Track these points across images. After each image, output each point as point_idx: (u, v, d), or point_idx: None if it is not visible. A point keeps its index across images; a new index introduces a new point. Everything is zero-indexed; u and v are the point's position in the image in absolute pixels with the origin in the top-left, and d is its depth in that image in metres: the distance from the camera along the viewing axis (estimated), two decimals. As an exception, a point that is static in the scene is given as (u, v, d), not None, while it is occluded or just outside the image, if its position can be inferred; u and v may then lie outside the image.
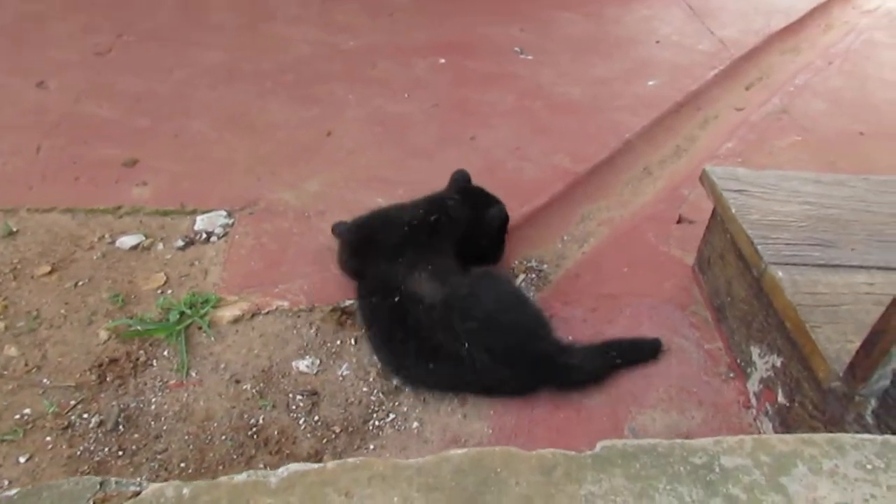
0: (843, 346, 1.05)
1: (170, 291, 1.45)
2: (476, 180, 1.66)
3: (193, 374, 1.27)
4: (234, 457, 1.14)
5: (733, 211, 1.35)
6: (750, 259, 1.28)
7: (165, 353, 1.31)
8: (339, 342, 1.38)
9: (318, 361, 1.33)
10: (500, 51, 2.63)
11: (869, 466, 0.60)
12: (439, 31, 2.75)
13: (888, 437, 0.65)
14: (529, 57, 2.59)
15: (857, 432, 1.02)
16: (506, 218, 1.55)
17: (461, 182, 1.61)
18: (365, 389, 1.29)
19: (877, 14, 3.36)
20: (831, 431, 1.08)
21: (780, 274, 1.19)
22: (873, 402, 0.98)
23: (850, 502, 0.57)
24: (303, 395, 1.26)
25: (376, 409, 1.26)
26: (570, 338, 1.43)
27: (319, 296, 1.46)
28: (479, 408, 1.27)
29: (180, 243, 1.59)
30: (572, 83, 2.42)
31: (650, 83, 2.47)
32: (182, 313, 1.36)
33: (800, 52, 2.92)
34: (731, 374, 1.38)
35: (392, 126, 2.12)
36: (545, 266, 1.68)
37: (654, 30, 2.91)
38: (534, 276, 1.64)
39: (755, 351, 1.32)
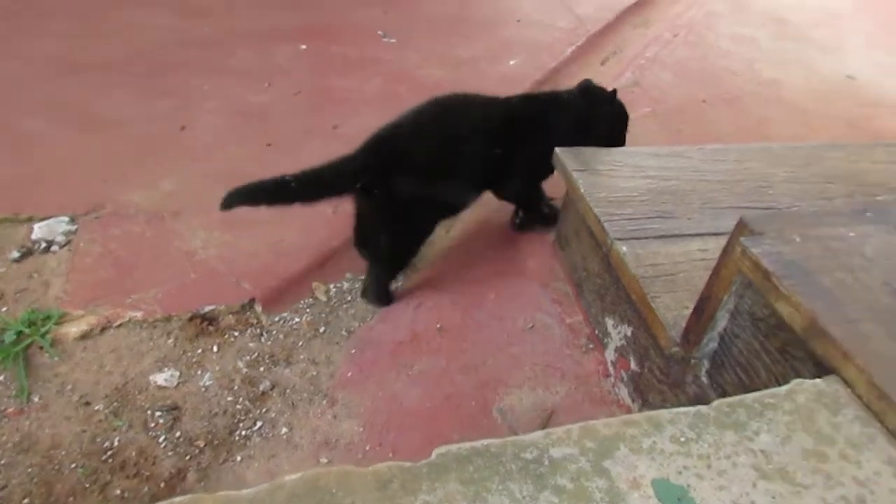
0: (679, 313, 1.12)
1: (4, 309, 1.35)
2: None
3: (36, 400, 1.19)
4: (87, 485, 1.08)
5: (581, 190, 1.40)
6: (598, 236, 1.34)
7: (1, 378, 1.22)
8: (200, 351, 1.33)
9: (177, 373, 1.28)
10: (363, 34, 2.60)
11: (682, 439, 0.65)
12: (300, 16, 2.67)
13: (700, 407, 0.70)
14: (393, 40, 2.57)
15: (696, 392, 1.10)
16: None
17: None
18: (230, 398, 1.26)
19: (717, -14, 3.57)
20: (675, 394, 1.16)
21: (624, 249, 1.25)
22: (706, 364, 1.05)
23: (666, 476, 0.61)
24: (162, 411, 1.21)
25: (242, 417, 1.23)
26: (439, 325, 1.45)
27: (177, 304, 1.40)
28: (349, 407, 1.27)
29: (15, 255, 1.47)
30: (437, 65, 2.43)
31: (512, 62, 2.52)
32: (20, 333, 1.27)
33: (650, 25, 3.06)
34: (591, 346, 1.44)
35: (252, 117, 2.05)
36: (412, 254, 1.69)
37: (516, 9, 2.96)
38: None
39: (609, 322, 1.38)
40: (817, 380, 0.75)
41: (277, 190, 1.35)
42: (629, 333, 1.31)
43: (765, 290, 0.85)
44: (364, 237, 1.50)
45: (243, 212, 1.69)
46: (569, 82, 2.52)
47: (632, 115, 2.31)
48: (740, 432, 0.67)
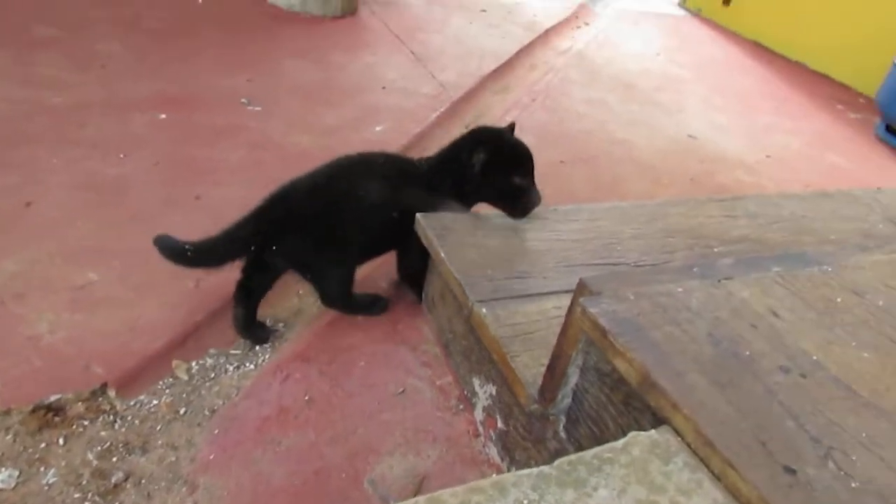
0: (538, 370, 1.16)
1: None
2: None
3: None
4: None
5: (442, 255, 1.44)
6: (460, 298, 1.37)
7: None
8: (43, 445, 1.23)
9: (16, 472, 1.17)
10: (227, 103, 2.58)
11: (525, 501, 0.67)
12: (160, 83, 2.61)
13: (543, 468, 0.72)
14: (258, 108, 2.56)
15: (556, 448, 1.14)
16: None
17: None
18: (77, 495, 1.16)
19: (569, 54, 3.84)
20: (538, 450, 1.19)
21: (484, 310, 1.29)
22: (563, 419, 1.09)
23: (509, 539, 0.63)
24: (-3, 518, 1.10)
25: (91, 514, 1.14)
26: (307, 397, 1.43)
27: (17, 395, 1.30)
28: (211, 492, 1.21)
29: None
30: (303, 132, 2.44)
31: (378, 129, 2.57)
32: None
33: (510, 91, 3.23)
34: (461, 406, 1.46)
35: (106, 191, 1.96)
36: (281, 325, 1.66)
37: (381, 76, 3.04)
38: (271, 335, 1.61)
39: (477, 382, 1.41)
40: (652, 431, 0.80)
41: (180, 254, 1.47)
42: (494, 393, 1.34)
43: (603, 347, 0.90)
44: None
45: (98, 290, 1.62)
46: (434, 147, 2.61)
47: (495, 177, 2.44)
48: (580, 489, 0.70)
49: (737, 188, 2.67)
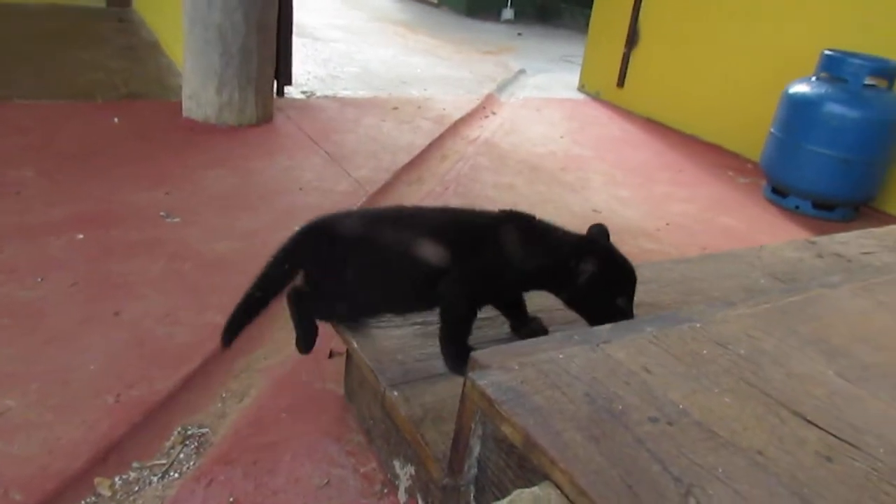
0: (448, 445, 1.23)
1: None
2: (122, 356, 1.62)
3: None
4: None
5: (355, 344, 1.51)
6: (373, 385, 1.44)
7: None
8: (-42, 580, 1.21)
9: None
10: (145, 217, 2.63)
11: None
12: (76, 205, 2.66)
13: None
14: (177, 220, 2.63)
15: (470, 519, 1.20)
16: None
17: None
18: None
19: (478, 143, 4.08)
20: (455, 523, 1.25)
21: (395, 394, 1.36)
22: (472, 489, 1.16)
23: None
24: None
25: None
26: (232, 499, 1.45)
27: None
28: None
29: None
30: (221, 239, 2.51)
31: (297, 228, 2.67)
32: None
33: (423, 182, 3.40)
34: (385, 490, 1.50)
35: (22, 315, 1.97)
36: (206, 430, 1.68)
37: (298, 178, 3.16)
38: (194, 443, 1.63)
39: (397, 464, 1.47)
40: (534, 487, 0.88)
41: (252, 306, 1.58)
42: (413, 472, 1.40)
43: (492, 415, 0.99)
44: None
45: (15, 416, 1.61)
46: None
47: (412, 265, 2.55)
48: (467, 548, 0.77)
49: (640, 256, 2.85)
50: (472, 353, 1.09)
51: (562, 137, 4.47)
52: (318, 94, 4.63)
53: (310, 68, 5.30)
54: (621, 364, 1.11)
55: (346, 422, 1.71)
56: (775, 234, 3.34)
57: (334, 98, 4.59)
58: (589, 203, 3.38)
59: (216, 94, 3.54)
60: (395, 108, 4.51)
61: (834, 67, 3.45)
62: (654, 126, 5.05)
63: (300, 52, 5.78)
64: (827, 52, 3.51)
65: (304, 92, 4.58)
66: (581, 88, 5.95)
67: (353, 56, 6.07)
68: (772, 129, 3.68)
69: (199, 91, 3.56)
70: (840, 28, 3.91)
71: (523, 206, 3.16)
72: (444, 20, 9.52)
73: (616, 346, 1.17)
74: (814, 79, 3.53)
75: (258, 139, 3.58)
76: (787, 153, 3.55)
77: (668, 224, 3.24)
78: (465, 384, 1.07)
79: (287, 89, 4.37)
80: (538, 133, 4.49)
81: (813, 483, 0.90)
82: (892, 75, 3.44)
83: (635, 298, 1.59)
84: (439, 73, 5.91)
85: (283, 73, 4.16)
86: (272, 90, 3.92)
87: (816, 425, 1.02)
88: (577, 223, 3.10)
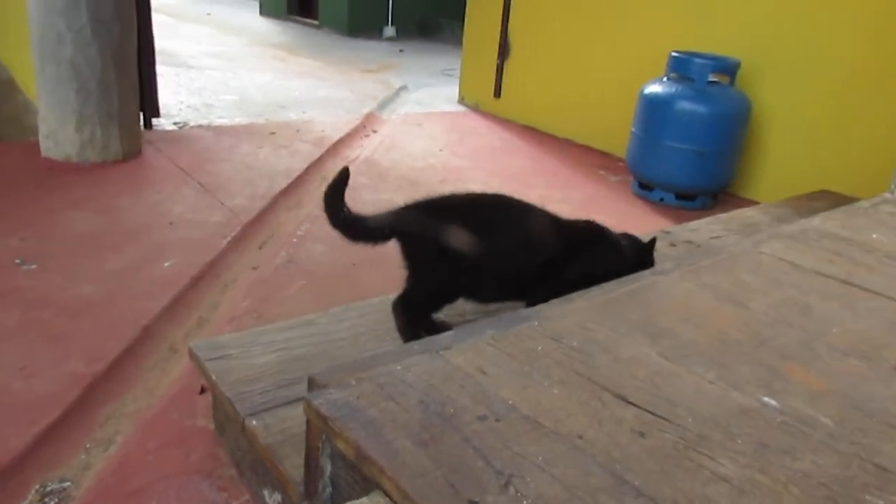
0: (306, 468, 1.25)
1: None
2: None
3: None
4: None
5: (214, 378, 1.50)
6: (233, 416, 1.44)
7: None
8: None
9: None
10: (-1, 266, 2.50)
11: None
12: (-80, 260, 2.49)
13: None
14: (34, 266, 2.51)
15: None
16: None
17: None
18: None
19: (358, 162, 4.11)
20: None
21: (254, 423, 1.36)
22: (329, 509, 1.18)
23: None
24: None
25: None
26: (94, 550, 1.40)
27: None
28: None
29: None
30: (84, 282, 2.41)
31: (166, 264, 2.61)
32: None
33: (303, 206, 3.39)
34: (258, 521, 1.50)
35: None
36: (67, 483, 1.62)
37: (167, 212, 3.08)
38: (54, 500, 1.56)
39: (266, 493, 1.46)
40: (363, 498, 0.91)
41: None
42: (280, 499, 1.40)
43: (328, 433, 1.02)
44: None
45: None
46: (228, 272, 2.69)
47: (288, 291, 2.55)
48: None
49: (515, 259, 2.95)
50: (310, 374, 1.11)
51: (441, 150, 4.56)
52: (192, 123, 4.53)
53: (183, 98, 5.18)
54: (458, 368, 1.16)
55: (218, 457, 1.68)
56: (643, 227, 3.52)
57: (209, 127, 4.51)
58: (467, 212, 3.46)
59: (76, 131, 3.40)
60: (273, 134, 4.47)
61: (681, 67, 3.70)
62: (531, 133, 5.23)
63: (172, 81, 5.64)
64: (674, 53, 3.75)
65: (176, 123, 4.47)
66: (461, 101, 6.08)
67: (230, 83, 5.97)
68: (633, 129, 3.89)
69: (57, 129, 3.41)
70: (687, 30, 4.20)
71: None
72: (325, 41, 9.51)
73: (455, 350, 1.22)
74: (665, 79, 3.77)
75: (125, 175, 3.46)
76: (648, 150, 3.77)
77: (542, 226, 3.36)
78: (304, 405, 1.09)
79: (156, 121, 4.25)
80: (418, 148, 4.56)
81: (625, 459, 0.98)
82: (732, 72, 3.72)
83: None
84: (319, 94, 5.90)
85: (148, 105, 4.05)
86: (138, 123, 3.81)
87: (635, 404, 1.11)
88: (454, 233, 3.20)
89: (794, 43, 3.69)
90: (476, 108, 5.86)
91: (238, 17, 11.17)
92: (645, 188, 3.92)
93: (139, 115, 3.83)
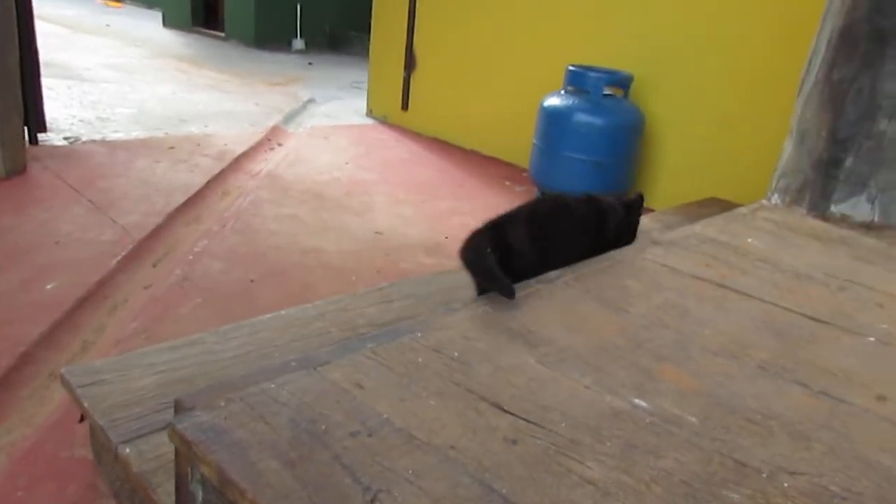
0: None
1: None
2: None
3: None
4: None
5: (86, 404, 1.43)
6: (106, 445, 1.37)
7: None
8: None
9: None
10: None
11: None
12: None
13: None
14: None
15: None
16: None
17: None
18: None
19: (261, 176, 4.03)
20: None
21: (127, 450, 1.30)
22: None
23: None
24: None
25: None
26: None
27: None
28: None
29: None
30: (-44, 309, 2.26)
31: (50, 286, 2.47)
32: None
33: (202, 221, 3.29)
34: (137, 554, 1.43)
35: None
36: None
37: (54, 231, 2.93)
38: None
39: (144, 523, 1.40)
40: (223, 523, 0.88)
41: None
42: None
43: (192, 458, 0.98)
44: None
45: None
46: (118, 292, 2.57)
47: (183, 310, 2.46)
48: None
49: (419, 271, 2.96)
50: (177, 396, 1.07)
51: (347, 163, 4.53)
52: (84, 138, 4.32)
53: (75, 112, 4.94)
54: (335, 384, 1.15)
55: (97, 487, 1.60)
56: (546, 236, 3.61)
57: (103, 142, 4.31)
58: (372, 225, 3.45)
59: (-50, 148, 3.19)
60: (172, 148, 4.32)
61: (577, 81, 3.81)
62: (439, 145, 5.27)
63: (64, 95, 5.38)
64: (570, 67, 3.87)
65: (66, 138, 4.25)
66: (369, 113, 6.07)
67: (128, 96, 5.74)
68: (534, 141, 3.98)
69: (-71, 147, 3.19)
70: (586, 44, 4.34)
71: (305, 237, 3.18)
72: (231, 53, 9.31)
73: (333, 366, 1.20)
74: (563, 92, 3.88)
75: (7, 194, 3.26)
76: (549, 161, 3.87)
77: (447, 238, 3.39)
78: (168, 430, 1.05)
79: (44, 136, 4.04)
80: (324, 161, 4.52)
81: (496, 467, 0.98)
82: (626, 85, 3.87)
83: (394, 314, 1.96)
84: (223, 107, 5.76)
85: (33, 120, 3.84)
86: (22, 140, 3.60)
87: (510, 412, 1.12)
88: (359, 247, 3.18)
89: (684, 58, 3.87)
90: (384, 121, 5.86)
91: (140, 29, 10.78)
92: (548, 198, 4.01)
93: (23, 131, 3.62)
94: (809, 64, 2.47)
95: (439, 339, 1.34)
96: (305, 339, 1.76)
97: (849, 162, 2.33)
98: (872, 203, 2.35)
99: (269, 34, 9.94)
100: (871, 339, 1.52)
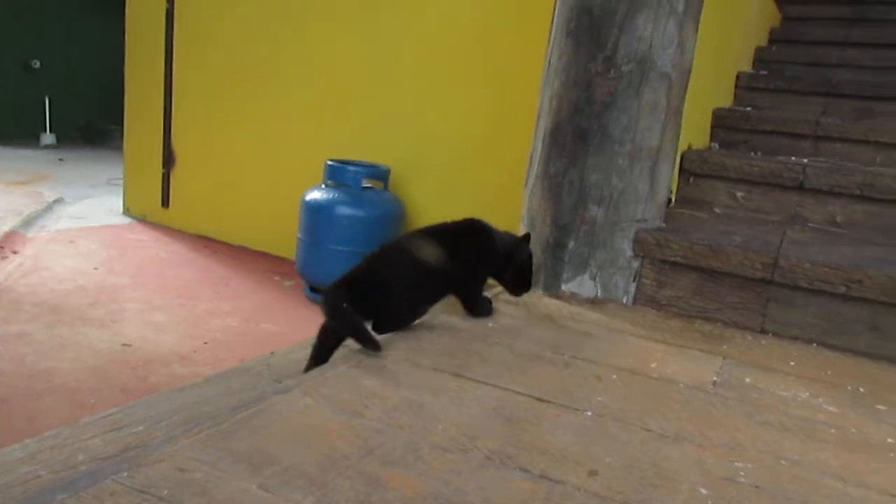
0: None
1: None
2: None
3: None
4: None
5: None
6: None
7: None
8: None
9: None
10: None
11: None
12: None
13: None
14: None
15: None
16: None
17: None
18: None
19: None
20: None
21: None
22: None
23: None
24: None
25: None
26: None
27: None
28: None
29: None
30: None
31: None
32: None
33: None
34: None
35: None
36: None
37: None
38: None
39: None
40: None
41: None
42: None
43: None
44: None
45: None
46: None
47: None
48: None
49: (171, 383, 2.73)
50: None
51: (96, 269, 4.16)
52: None
53: None
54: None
55: None
56: (314, 331, 3.55)
57: None
58: (119, 337, 3.16)
59: None
60: None
61: (337, 175, 3.89)
62: (204, 242, 5.05)
63: None
64: (329, 161, 3.94)
65: None
66: (126, 212, 5.69)
67: None
68: (298, 234, 3.96)
69: None
70: (348, 140, 4.46)
71: (35, 357, 2.82)
72: (-37, 150, 8.31)
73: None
74: (323, 186, 3.93)
75: None
76: (313, 253, 3.86)
77: (206, 343, 3.20)
78: None
79: None
80: (68, 268, 4.11)
81: None
82: (384, 177, 4.02)
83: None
84: (-56, 213, 5.06)
85: None
86: None
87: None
88: (101, 364, 2.88)
89: (434, 151, 4.13)
90: (143, 220, 5.52)
91: None
92: (316, 291, 3.98)
93: None
94: (531, 159, 2.74)
95: (149, 476, 1.21)
96: (5, 491, 1.51)
97: (571, 245, 2.59)
98: (594, 280, 2.61)
99: (12, 128, 9.06)
100: (588, 413, 1.64)
